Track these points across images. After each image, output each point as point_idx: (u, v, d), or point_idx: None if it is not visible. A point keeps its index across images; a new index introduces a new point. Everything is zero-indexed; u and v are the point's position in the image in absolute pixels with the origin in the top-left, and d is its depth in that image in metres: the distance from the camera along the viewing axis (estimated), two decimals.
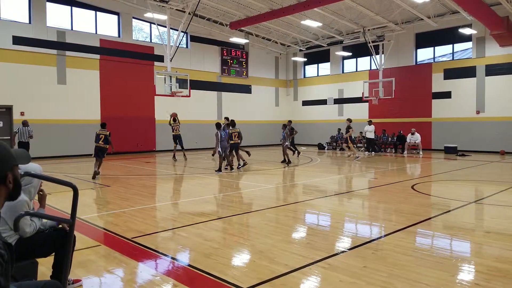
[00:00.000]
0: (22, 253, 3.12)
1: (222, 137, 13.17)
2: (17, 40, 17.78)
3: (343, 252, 4.87)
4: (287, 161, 15.76)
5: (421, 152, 20.11)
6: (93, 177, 11.86)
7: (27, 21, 18.38)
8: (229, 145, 13.61)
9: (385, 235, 5.65)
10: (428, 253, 4.80)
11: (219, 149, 13.20)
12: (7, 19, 17.80)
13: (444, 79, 22.05)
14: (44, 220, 3.52)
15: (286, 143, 16.09)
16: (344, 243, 5.34)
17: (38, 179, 3.35)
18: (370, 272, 4.12)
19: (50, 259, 3.55)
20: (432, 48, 22.96)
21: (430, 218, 6.71)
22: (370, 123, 20.92)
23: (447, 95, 22.01)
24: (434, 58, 22.95)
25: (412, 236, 5.62)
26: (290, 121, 17.85)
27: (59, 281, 2.29)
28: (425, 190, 9.82)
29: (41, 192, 3.55)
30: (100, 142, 12.41)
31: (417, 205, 7.69)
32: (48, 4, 18.82)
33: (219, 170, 13.18)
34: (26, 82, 18.06)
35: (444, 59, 22.63)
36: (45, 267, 3.90)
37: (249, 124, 25.33)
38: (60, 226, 3.56)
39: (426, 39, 22.92)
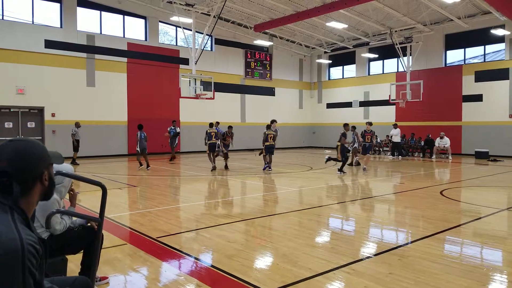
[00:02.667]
0: (52, 250, 3.21)
1: (141, 138, 14.39)
2: (49, 44, 18.40)
3: (368, 257, 4.78)
4: (354, 163, 16.19)
5: (450, 157, 19.58)
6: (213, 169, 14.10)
7: (59, 26, 19.00)
8: (265, 147, 14.41)
9: (412, 242, 5.52)
10: (457, 261, 4.66)
11: (138, 149, 14.40)
12: (40, 24, 18.45)
13: (475, 81, 21.41)
14: (74, 218, 3.62)
15: (355, 145, 15.80)
16: (369, 249, 5.25)
17: (69, 179, 3.45)
18: (396, 278, 4.03)
19: (78, 256, 3.65)
20: (463, 49, 22.36)
21: (459, 225, 6.51)
22: (395, 126, 20.55)
23: (478, 98, 21.35)
24: (464, 60, 22.35)
25: (441, 243, 5.46)
26: (370, 123, 15.82)
27: (88, 278, 2.35)
28: (455, 196, 9.55)
29: (71, 192, 3.65)
30: (213, 139, 14.47)
31: (446, 212, 7.48)
32: (79, 9, 19.40)
33: (147, 166, 14.44)
34: (57, 85, 18.64)
35: (475, 61, 22.01)
36: (73, 263, 4.00)
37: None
38: (89, 224, 3.66)
39: (456, 40, 22.35)
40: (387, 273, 4.17)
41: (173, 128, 18.03)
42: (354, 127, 16.87)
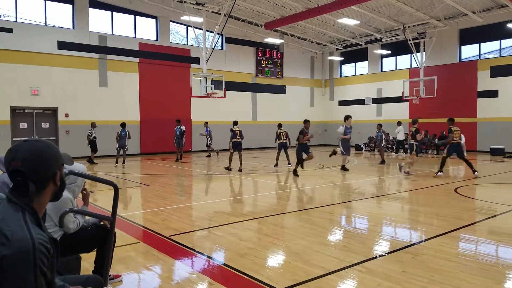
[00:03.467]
0: (66, 249, 3.25)
1: (122, 135, 15.47)
2: (62, 45, 18.63)
3: (381, 256, 4.74)
4: (383, 161, 16.17)
5: (465, 154, 19.25)
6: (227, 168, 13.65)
7: (71, 27, 19.23)
8: (278, 145, 14.97)
9: (426, 240, 5.46)
10: (471, 259, 4.59)
11: (117, 146, 15.62)
12: (53, 25, 18.70)
13: (491, 77, 21.04)
14: (87, 217, 3.67)
15: (383, 143, 16.45)
16: (382, 247, 5.21)
17: (82, 178, 3.49)
18: (409, 277, 3.99)
19: (92, 255, 3.69)
20: (478, 44, 21.97)
21: (474, 223, 6.42)
22: (399, 124, 20.14)
23: (493, 93, 20.98)
24: (479, 55, 21.96)
25: (455, 241, 5.39)
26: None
27: (101, 276, 2.37)
28: (469, 193, 9.41)
29: (84, 192, 3.69)
30: (237, 137, 13.83)
31: (460, 209, 7.38)
32: (91, 10, 19.60)
33: (116, 162, 15.69)
34: (70, 85, 18.87)
35: (491, 56, 21.61)
36: (87, 262, 4.05)
37: (284, 125, 25.23)
38: (102, 223, 3.69)
39: (471, 35, 21.97)
40: (401, 271, 4.14)
41: (178, 127, 18.04)
42: (380, 125, 16.91)
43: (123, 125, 15.87)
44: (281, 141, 14.90)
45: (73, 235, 3.42)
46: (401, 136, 20.00)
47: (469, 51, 22.51)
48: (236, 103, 24.26)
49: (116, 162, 15.73)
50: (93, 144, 16.67)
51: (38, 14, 18.34)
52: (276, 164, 14.95)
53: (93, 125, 16.90)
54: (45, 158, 1.59)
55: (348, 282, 3.95)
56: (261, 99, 26.19)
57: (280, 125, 15.55)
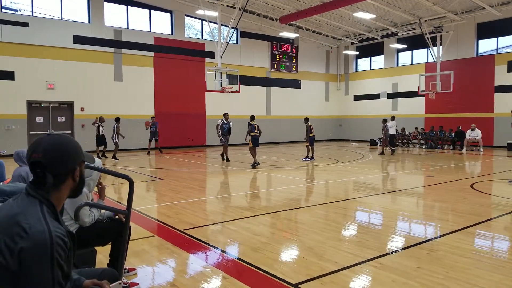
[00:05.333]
0: (81, 242, 3.28)
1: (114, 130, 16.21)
2: (78, 39, 18.85)
3: (395, 251, 4.70)
4: (390, 151, 17.57)
5: (481, 149, 18.95)
6: (253, 166, 13.28)
7: (87, 21, 19.42)
8: (309, 138, 15.32)
9: (441, 236, 5.39)
10: (488, 256, 4.52)
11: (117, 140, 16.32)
12: (68, 20, 18.91)
13: (509, 71, 20.60)
14: (102, 211, 3.71)
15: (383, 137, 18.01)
16: (397, 243, 5.15)
17: (97, 172, 3.52)
18: (424, 273, 3.95)
19: (107, 248, 3.73)
20: (495, 38, 21.50)
21: (490, 219, 6.31)
22: (393, 118, 19.59)
23: (511, 88, 20.54)
24: (497, 49, 21.50)
25: (471, 238, 5.31)
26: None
27: (116, 269, 2.40)
28: (486, 189, 9.25)
29: (100, 185, 3.73)
30: (255, 131, 13.72)
31: (476, 205, 7.26)
32: (106, 4, 19.76)
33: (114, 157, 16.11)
34: (85, 79, 19.11)
35: (509, 50, 21.13)
36: (102, 255, 4.11)
37: (298, 120, 25.14)
38: (117, 216, 3.73)
39: (488, 29, 21.51)
40: (415, 267, 4.10)
41: (227, 123, 15.17)
42: (385, 120, 17.05)
43: (116, 119, 16.52)
44: (311, 134, 15.28)
45: (88, 229, 3.47)
46: (392, 131, 19.43)
47: (486, 45, 22.06)
48: (250, 98, 24.24)
49: (115, 158, 16.01)
50: (99, 139, 16.84)
51: (54, 9, 18.57)
52: (312, 157, 15.34)
53: (101, 119, 16.98)
54: (65, 152, 1.62)
55: (362, 278, 3.93)
56: (275, 93, 26.11)
57: (307, 119, 15.72)
